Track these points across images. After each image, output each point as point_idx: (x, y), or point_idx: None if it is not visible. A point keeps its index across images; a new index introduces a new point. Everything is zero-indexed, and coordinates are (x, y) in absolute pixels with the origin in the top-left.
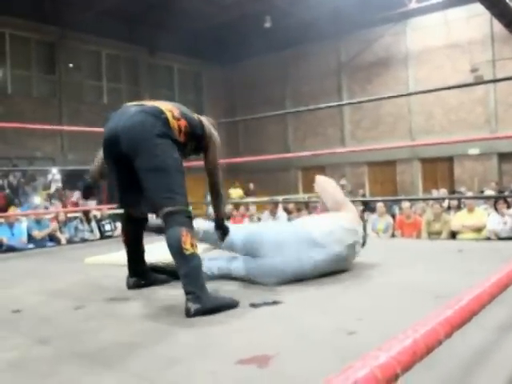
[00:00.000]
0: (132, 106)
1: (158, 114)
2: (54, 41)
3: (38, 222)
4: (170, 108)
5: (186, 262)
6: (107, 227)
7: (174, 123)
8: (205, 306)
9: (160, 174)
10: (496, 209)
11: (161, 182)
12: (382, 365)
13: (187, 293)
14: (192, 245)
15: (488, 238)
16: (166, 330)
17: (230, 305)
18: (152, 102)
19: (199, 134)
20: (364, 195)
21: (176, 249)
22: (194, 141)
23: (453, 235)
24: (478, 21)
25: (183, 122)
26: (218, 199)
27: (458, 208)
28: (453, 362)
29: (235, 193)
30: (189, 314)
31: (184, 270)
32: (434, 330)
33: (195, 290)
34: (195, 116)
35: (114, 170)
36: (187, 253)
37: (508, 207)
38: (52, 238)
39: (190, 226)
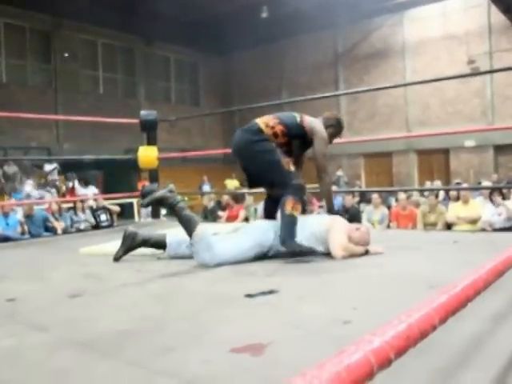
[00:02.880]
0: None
1: (252, 128)
2: (49, 30)
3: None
4: (265, 120)
5: (283, 217)
6: (103, 217)
7: (267, 130)
8: (289, 248)
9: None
10: (491, 200)
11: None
12: (375, 349)
13: (281, 239)
14: (292, 208)
15: (483, 230)
16: (162, 318)
17: (309, 251)
18: (257, 119)
19: (299, 133)
20: (360, 186)
21: (280, 206)
22: (297, 139)
23: (448, 227)
24: (475, 12)
25: (280, 127)
26: (322, 192)
27: (458, 199)
28: (446, 350)
29: (231, 183)
30: (283, 245)
31: (282, 222)
32: (428, 315)
33: (285, 235)
34: (298, 118)
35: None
36: (286, 212)
37: (503, 198)
38: (48, 228)
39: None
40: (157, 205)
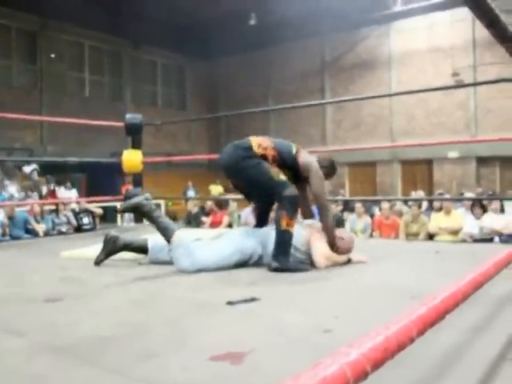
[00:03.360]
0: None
1: (244, 145)
2: (35, 30)
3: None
4: (259, 141)
5: (278, 234)
6: (85, 220)
7: (258, 150)
8: (282, 266)
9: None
10: (472, 211)
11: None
12: (351, 362)
13: (273, 255)
14: (287, 224)
15: (464, 241)
16: (142, 324)
17: (301, 270)
18: (251, 137)
19: (291, 165)
20: (344, 195)
21: (275, 222)
22: (287, 169)
23: (430, 237)
24: (460, 26)
25: (272, 152)
26: (324, 228)
27: (441, 210)
28: (424, 361)
29: (215, 189)
30: (269, 268)
31: (276, 239)
32: (406, 327)
33: (278, 252)
34: (294, 150)
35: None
36: (281, 228)
37: (484, 211)
38: (28, 230)
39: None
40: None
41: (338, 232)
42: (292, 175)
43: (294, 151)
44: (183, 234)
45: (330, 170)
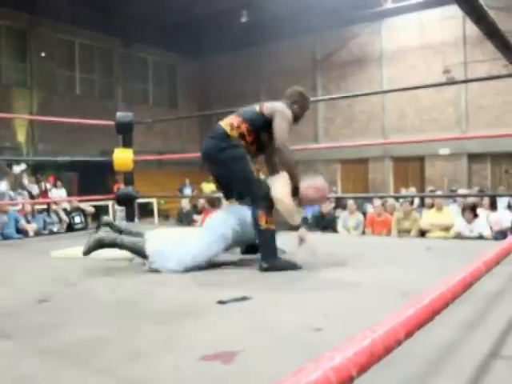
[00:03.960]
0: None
1: (218, 133)
2: (25, 28)
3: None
4: (229, 121)
5: (260, 234)
6: (77, 219)
7: (232, 133)
8: (272, 265)
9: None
10: (463, 214)
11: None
12: (336, 366)
13: (260, 256)
14: (266, 221)
15: (456, 237)
16: (132, 324)
17: (292, 267)
18: (220, 122)
19: (262, 124)
20: (336, 192)
21: (254, 224)
22: (263, 131)
23: (422, 233)
24: (451, 23)
25: (244, 125)
26: (285, 166)
27: (432, 206)
28: (416, 359)
29: (207, 187)
30: (260, 269)
31: (259, 239)
32: (393, 330)
33: (266, 253)
34: (258, 107)
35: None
36: (262, 228)
37: (474, 216)
38: (19, 229)
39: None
40: (99, 248)
41: (312, 180)
42: (269, 134)
43: (257, 109)
44: (153, 241)
45: (301, 101)
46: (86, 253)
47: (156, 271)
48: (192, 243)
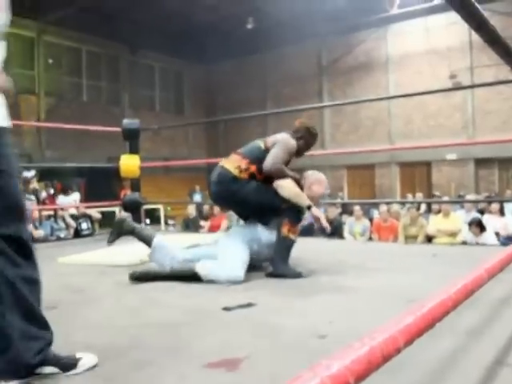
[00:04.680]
0: (214, 173)
1: (227, 178)
2: (33, 36)
3: None
4: (236, 164)
5: (279, 240)
6: (84, 226)
7: (242, 175)
8: (280, 272)
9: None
10: (470, 227)
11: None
12: (333, 375)
13: (272, 259)
14: (288, 230)
15: (463, 243)
16: (137, 332)
17: (295, 276)
18: (223, 162)
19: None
20: (342, 198)
21: (277, 232)
22: None
23: (429, 239)
24: (457, 28)
25: (253, 167)
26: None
27: (439, 212)
28: (420, 367)
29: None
30: (265, 273)
31: (276, 245)
32: (392, 337)
33: (278, 259)
34: (262, 145)
35: None
36: (282, 235)
37: (482, 230)
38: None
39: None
40: (148, 279)
41: (307, 179)
42: None
43: (262, 147)
44: (204, 265)
45: (307, 138)
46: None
47: (164, 280)
48: (230, 254)
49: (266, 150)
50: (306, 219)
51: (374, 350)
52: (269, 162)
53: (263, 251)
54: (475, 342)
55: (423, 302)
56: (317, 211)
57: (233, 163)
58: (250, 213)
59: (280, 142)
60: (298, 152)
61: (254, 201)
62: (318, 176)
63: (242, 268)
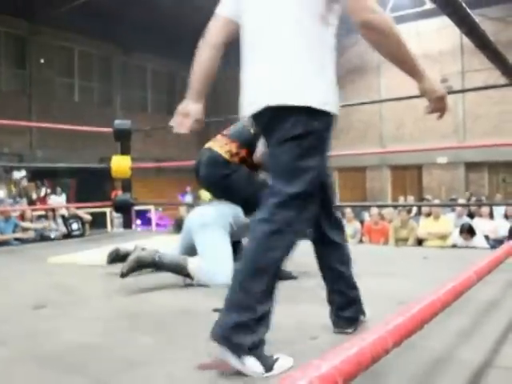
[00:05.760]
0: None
1: (217, 161)
2: (25, 35)
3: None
4: (227, 148)
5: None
6: (74, 226)
7: (233, 160)
8: None
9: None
10: (460, 233)
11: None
12: (322, 375)
13: None
14: None
15: (453, 246)
16: (128, 332)
17: (286, 277)
18: (211, 145)
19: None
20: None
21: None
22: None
23: (419, 242)
24: (448, 32)
25: (243, 152)
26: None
27: (429, 215)
28: (409, 370)
29: (205, 194)
30: None
31: None
32: (382, 338)
33: None
34: (252, 128)
35: None
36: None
37: (472, 235)
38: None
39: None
40: (139, 269)
41: None
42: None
43: (251, 130)
44: (193, 261)
45: None
46: (126, 274)
47: (152, 278)
48: (221, 253)
49: (256, 135)
50: None
51: (364, 351)
52: (261, 152)
53: (240, 230)
54: (464, 344)
55: (412, 303)
56: None
57: (222, 147)
58: (235, 201)
59: None
60: None
61: (243, 189)
62: None
63: (232, 269)
